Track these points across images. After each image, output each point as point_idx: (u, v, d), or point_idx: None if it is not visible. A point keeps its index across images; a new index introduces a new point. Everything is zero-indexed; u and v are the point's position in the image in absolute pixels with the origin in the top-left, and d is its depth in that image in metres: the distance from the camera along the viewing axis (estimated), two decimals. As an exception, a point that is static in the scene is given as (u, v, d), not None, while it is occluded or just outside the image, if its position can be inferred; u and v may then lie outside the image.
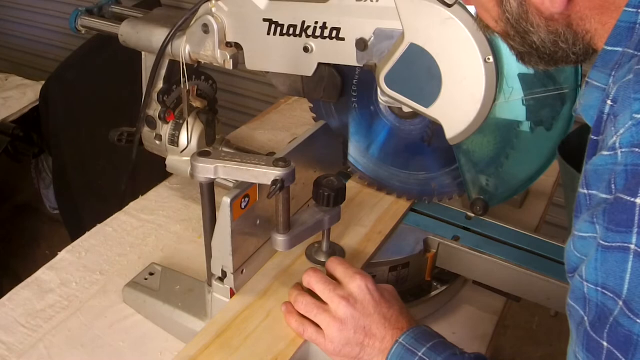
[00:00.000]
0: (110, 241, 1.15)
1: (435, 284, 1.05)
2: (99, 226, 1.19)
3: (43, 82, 2.10)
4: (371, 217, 1.04)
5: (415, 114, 0.94)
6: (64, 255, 1.12)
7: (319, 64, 0.93)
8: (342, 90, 0.98)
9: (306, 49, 0.92)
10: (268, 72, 1.00)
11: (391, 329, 0.77)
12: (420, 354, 0.73)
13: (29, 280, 1.06)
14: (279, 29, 0.93)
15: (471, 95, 0.83)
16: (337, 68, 0.95)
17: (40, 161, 2.44)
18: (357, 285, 0.80)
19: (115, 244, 1.15)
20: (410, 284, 1.03)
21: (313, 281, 0.83)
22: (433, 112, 0.86)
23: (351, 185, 1.11)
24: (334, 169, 1.11)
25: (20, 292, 1.03)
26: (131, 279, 1.02)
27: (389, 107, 0.99)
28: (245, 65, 1.01)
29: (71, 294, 1.04)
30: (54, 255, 1.12)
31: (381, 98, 0.95)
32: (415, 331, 0.76)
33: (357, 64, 0.90)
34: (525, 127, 0.87)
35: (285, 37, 0.93)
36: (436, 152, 1.00)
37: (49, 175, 2.44)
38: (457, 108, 0.85)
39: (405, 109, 0.94)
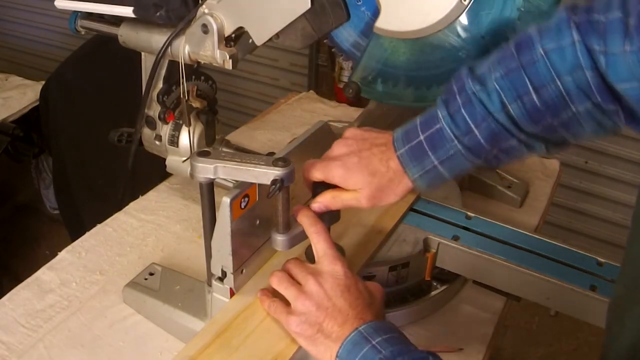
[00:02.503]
0: (110, 241, 1.16)
1: (435, 284, 1.05)
2: (99, 226, 1.19)
3: (43, 82, 2.10)
4: (371, 217, 1.04)
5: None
6: (64, 255, 1.12)
7: None
8: (347, 6, 0.97)
9: None
10: (279, 37, 0.99)
11: (353, 317, 0.76)
12: (374, 342, 0.72)
13: (29, 280, 1.06)
14: None
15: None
16: None
17: (40, 161, 2.44)
18: (331, 268, 0.80)
19: (115, 244, 1.15)
20: (410, 284, 1.03)
21: (291, 266, 0.84)
22: None
23: (351, 185, 1.11)
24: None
25: (20, 292, 1.03)
26: (131, 279, 1.02)
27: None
28: (241, 66, 1.01)
29: (71, 294, 1.04)
30: (54, 255, 1.12)
31: None
32: (377, 323, 0.75)
33: None
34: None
35: None
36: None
37: (49, 175, 2.44)
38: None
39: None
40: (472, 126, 0.75)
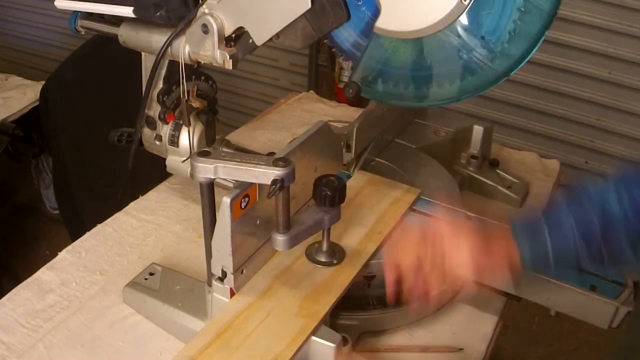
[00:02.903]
0: (110, 241, 1.16)
1: (435, 284, 1.05)
2: (99, 226, 1.19)
3: (43, 82, 2.10)
4: (371, 217, 1.04)
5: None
6: (64, 255, 1.12)
7: None
8: (347, 6, 0.97)
9: None
10: (279, 37, 0.99)
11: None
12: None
13: (29, 280, 1.06)
14: None
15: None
16: None
17: (40, 161, 2.44)
18: None
19: (115, 244, 1.15)
20: (410, 284, 1.03)
21: None
22: None
23: (351, 185, 1.11)
24: (334, 169, 1.11)
25: (20, 292, 1.04)
26: (131, 279, 1.02)
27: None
28: (241, 66, 1.01)
29: (71, 294, 1.04)
30: (54, 255, 1.12)
31: None
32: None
33: None
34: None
35: None
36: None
37: (49, 175, 2.44)
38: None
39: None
40: (588, 215, 0.79)
